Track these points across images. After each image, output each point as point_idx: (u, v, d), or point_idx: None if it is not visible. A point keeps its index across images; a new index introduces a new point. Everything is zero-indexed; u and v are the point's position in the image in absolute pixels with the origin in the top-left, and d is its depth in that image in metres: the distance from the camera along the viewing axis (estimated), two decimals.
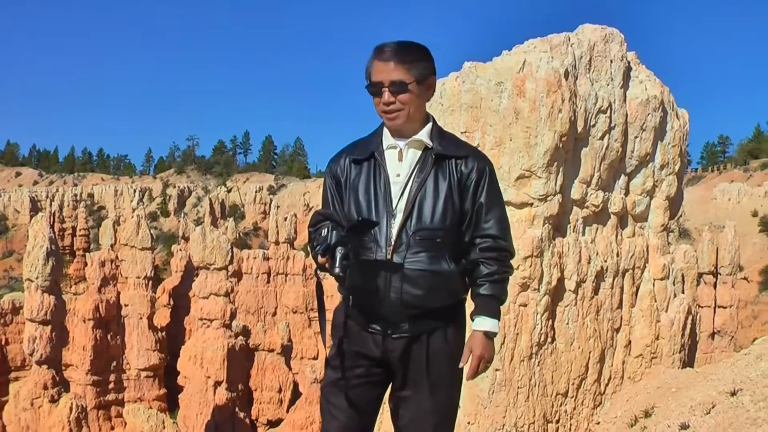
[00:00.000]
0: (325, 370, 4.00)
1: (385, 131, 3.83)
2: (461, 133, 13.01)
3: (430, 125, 3.82)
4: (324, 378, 4.02)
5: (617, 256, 13.45)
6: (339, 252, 3.47)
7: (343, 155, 3.90)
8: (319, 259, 3.51)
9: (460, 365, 3.74)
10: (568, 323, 12.95)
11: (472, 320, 3.78)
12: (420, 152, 3.77)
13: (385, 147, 3.81)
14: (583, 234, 13.25)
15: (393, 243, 3.67)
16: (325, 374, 4.00)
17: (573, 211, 13.08)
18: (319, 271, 3.65)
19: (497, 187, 3.85)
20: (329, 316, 3.89)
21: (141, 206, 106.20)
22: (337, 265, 3.47)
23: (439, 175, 3.72)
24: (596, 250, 13.21)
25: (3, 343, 43.57)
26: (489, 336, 3.75)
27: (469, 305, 3.87)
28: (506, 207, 12.41)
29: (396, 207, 3.71)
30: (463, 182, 3.74)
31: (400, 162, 3.78)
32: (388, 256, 3.67)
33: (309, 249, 3.87)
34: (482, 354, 3.73)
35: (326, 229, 3.56)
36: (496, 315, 3.77)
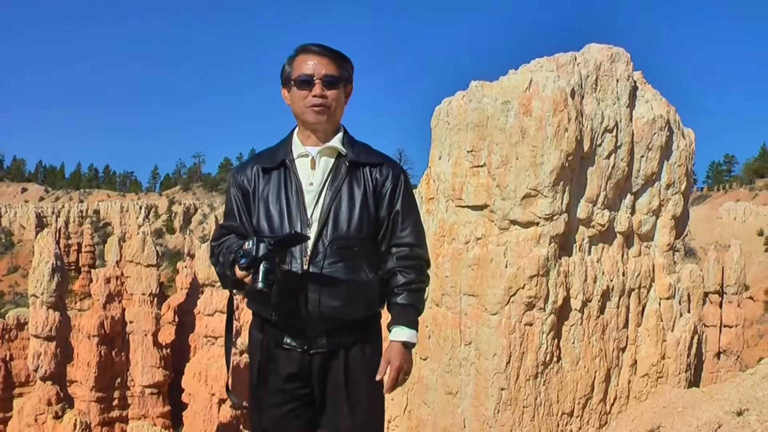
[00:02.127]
0: (250, 398, 3.77)
1: (295, 140, 3.71)
2: (467, 152, 13.05)
3: (341, 134, 3.70)
4: (250, 406, 3.78)
5: (623, 275, 13.44)
6: (264, 266, 3.26)
7: (250, 165, 3.73)
8: (238, 273, 3.31)
9: (378, 378, 3.57)
10: (573, 342, 12.93)
11: (389, 331, 3.63)
12: (333, 160, 3.64)
13: (295, 155, 3.66)
14: (589, 253, 13.25)
15: (309, 253, 3.50)
16: (251, 402, 3.76)
17: (579, 231, 13.08)
18: (231, 287, 3.48)
19: (412, 195, 3.75)
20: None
21: (147, 223, 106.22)
22: (260, 279, 3.26)
23: (354, 183, 3.59)
24: (602, 269, 13.20)
25: (7, 359, 43.58)
26: (407, 346, 3.59)
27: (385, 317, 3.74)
28: (513, 226, 12.43)
29: (311, 216, 3.55)
30: (378, 190, 3.62)
31: (312, 170, 3.63)
32: (305, 267, 3.50)
33: (212, 264, 3.69)
34: (401, 365, 3.57)
35: (250, 242, 3.33)
36: (414, 325, 3.62)
